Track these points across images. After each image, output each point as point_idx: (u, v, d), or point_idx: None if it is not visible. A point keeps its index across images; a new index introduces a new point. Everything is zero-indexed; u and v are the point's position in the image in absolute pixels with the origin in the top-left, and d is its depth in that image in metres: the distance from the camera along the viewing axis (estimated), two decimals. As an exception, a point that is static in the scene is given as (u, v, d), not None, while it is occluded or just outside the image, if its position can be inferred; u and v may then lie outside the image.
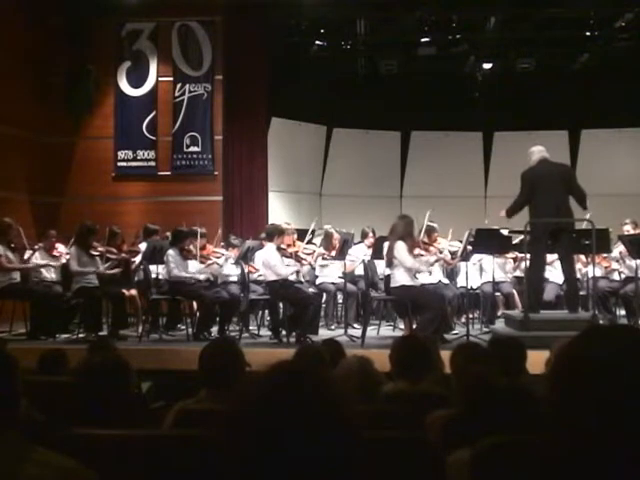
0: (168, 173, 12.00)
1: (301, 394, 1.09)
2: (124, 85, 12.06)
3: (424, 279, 8.39)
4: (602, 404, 1.11)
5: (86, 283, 8.52)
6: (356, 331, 8.57)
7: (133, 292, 9.01)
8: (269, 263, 8.26)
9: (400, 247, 7.73)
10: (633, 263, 8.27)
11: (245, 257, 8.69)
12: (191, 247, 8.81)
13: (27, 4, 11.38)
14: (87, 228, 8.74)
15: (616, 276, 9.51)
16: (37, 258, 8.95)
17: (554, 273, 9.09)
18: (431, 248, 8.86)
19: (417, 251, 8.23)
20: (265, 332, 8.99)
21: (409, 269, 7.78)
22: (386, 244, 8.08)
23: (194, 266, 8.79)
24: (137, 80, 12.05)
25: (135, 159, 12.03)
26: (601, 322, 7.73)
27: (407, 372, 3.86)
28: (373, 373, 3.33)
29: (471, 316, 9.40)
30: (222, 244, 9.85)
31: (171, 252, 8.54)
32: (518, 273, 9.63)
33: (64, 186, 12.06)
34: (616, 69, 13.26)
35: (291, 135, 13.63)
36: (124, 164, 12.05)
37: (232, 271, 9.37)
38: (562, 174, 7.72)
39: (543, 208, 7.51)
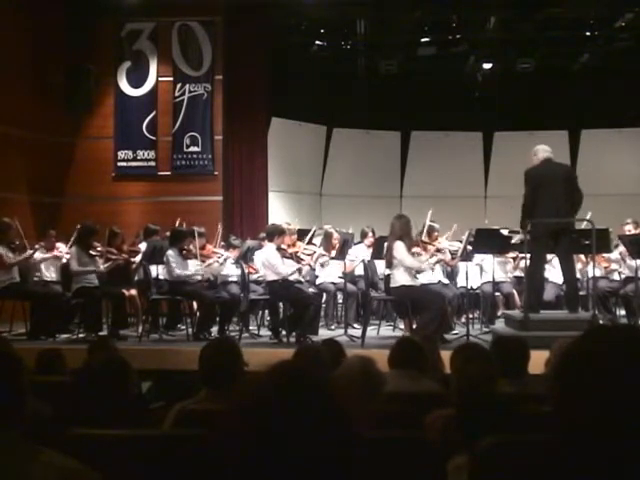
0: (168, 173, 12.00)
1: (301, 394, 1.09)
2: (124, 85, 12.07)
3: (424, 279, 8.39)
4: (603, 404, 1.11)
5: (86, 283, 8.52)
6: (356, 331, 8.57)
7: (133, 292, 9.01)
8: (269, 262, 8.25)
9: (399, 247, 7.74)
10: (633, 263, 8.27)
11: (245, 257, 8.69)
12: (191, 247, 8.81)
13: (27, 4, 11.38)
14: (88, 228, 8.73)
15: (616, 276, 9.52)
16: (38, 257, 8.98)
17: (554, 273, 9.09)
18: (429, 247, 8.86)
19: (416, 250, 8.23)
20: (265, 332, 8.99)
21: (409, 268, 7.78)
22: (386, 244, 8.09)
23: (194, 266, 8.79)
24: (137, 80, 12.05)
25: (135, 159, 12.03)
26: (601, 322, 7.72)
27: (402, 370, 3.94)
28: (375, 373, 3.33)
29: (471, 316, 9.41)
30: (222, 244, 9.85)
31: (171, 252, 8.54)
32: (518, 273, 9.63)
33: (64, 186, 12.06)
34: (616, 69, 13.26)
35: (291, 135, 13.63)
36: (124, 164, 12.05)
37: (232, 271, 9.37)
38: (565, 175, 7.72)
39: (544, 208, 7.50)
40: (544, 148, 7.79)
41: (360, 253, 9.63)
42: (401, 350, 4.15)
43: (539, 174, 7.59)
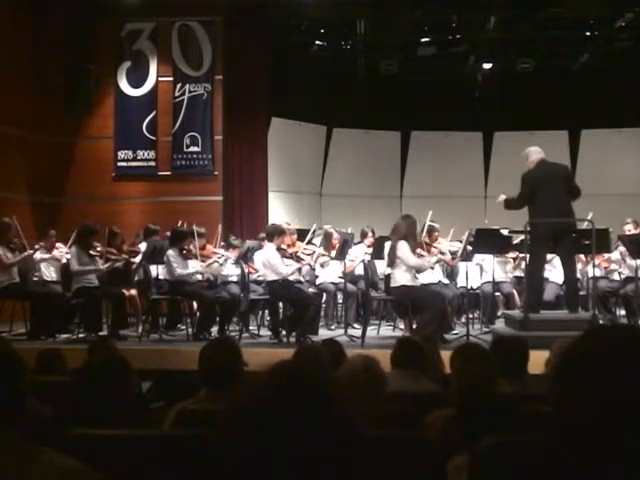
0: (168, 173, 12.00)
1: (301, 394, 1.09)
2: (124, 85, 12.06)
3: (424, 279, 8.38)
4: (603, 404, 1.11)
5: (86, 283, 8.52)
6: (356, 331, 8.57)
7: (133, 292, 9.01)
8: (269, 262, 8.26)
9: (403, 246, 7.73)
10: (633, 263, 8.27)
11: (245, 257, 8.69)
12: (191, 247, 8.81)
13: (27, 4, 11.38)
14: (88, 228, 8.73)
15: (616, 276, 9.51)
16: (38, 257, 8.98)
17: (554, 273, 9.10)
18: (432, 249, 8.86)
19: (419, 252, 8.23)
20: (265, 332, 8.99)
21: (411, 267, 7.77)
22: (387, 244, 8.08)
23: (194, 266, 8.79)
24: (137, 80, 12.05)
25: (135, 159, 12.03)
26: (601, 322, 7.73)
27: (403, 370, 3.94)
28: (379, 373, 3.33)
29: (471, 316, 9.41)
30: (222, 244, 9.85)
31: (171, 252, 8.54)
32: (518, 273, 9.63)
33: (64, 186, 12.06)
34: (616, 69, 13.26)
35: (291, 135, 13.63)
36: (124, 164, 12.05)
37: (232, 271, 9.37)
38: (564, 175, 7.72)
39: (544, 210, 7.49)
40: (536, 150, 7.76)
41: (360, 253, 9.63)
42: (402, 350, 4.15)
43: (537, 176, 7.57)
